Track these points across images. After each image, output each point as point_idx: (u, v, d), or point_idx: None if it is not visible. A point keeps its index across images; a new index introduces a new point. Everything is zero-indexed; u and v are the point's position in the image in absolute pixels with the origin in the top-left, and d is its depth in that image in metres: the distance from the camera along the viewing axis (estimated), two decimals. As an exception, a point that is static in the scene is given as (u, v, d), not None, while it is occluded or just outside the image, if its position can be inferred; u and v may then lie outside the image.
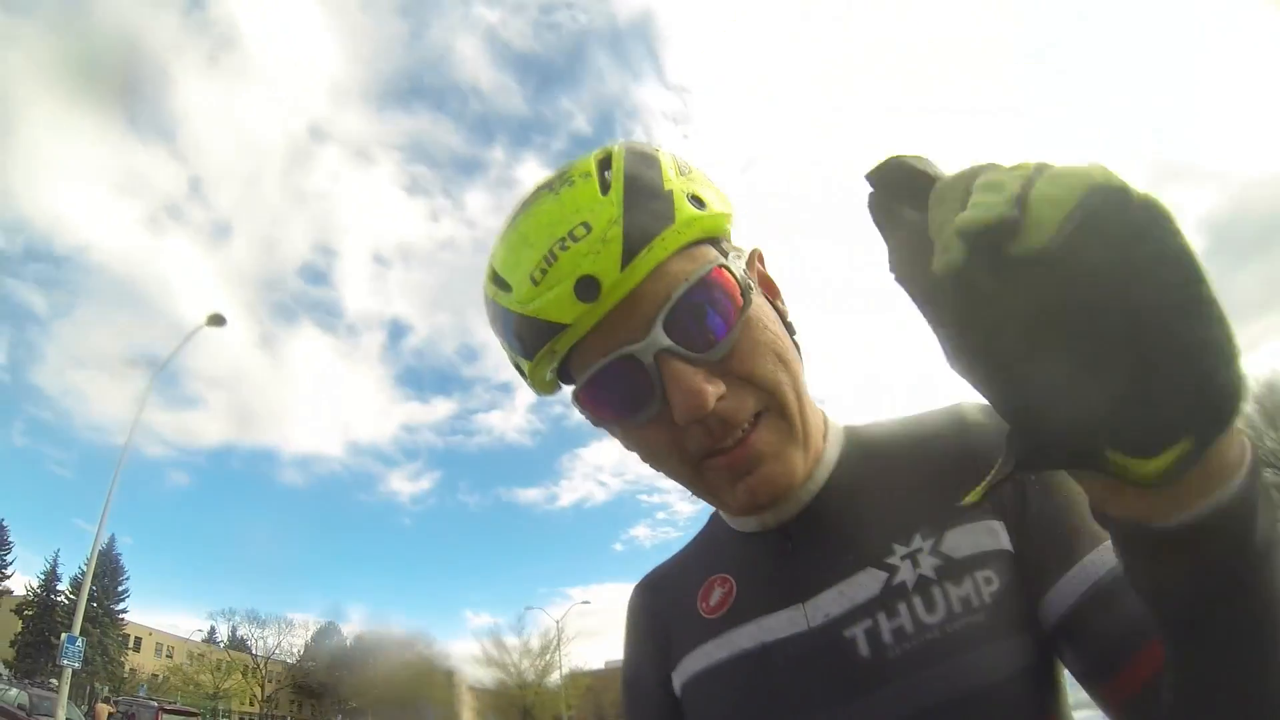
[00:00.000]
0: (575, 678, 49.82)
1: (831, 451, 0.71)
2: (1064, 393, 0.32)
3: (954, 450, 0.66)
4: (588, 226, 0.57)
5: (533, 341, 0.60)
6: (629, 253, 0.56)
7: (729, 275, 0.60)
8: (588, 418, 0.65)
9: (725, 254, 0.62)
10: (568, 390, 0.65)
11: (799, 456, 0.63)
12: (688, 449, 0.61)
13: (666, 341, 0.57)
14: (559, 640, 44.90)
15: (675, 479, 0.65)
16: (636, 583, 0.84)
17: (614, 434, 0.67)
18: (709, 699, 0.68)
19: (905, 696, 0.57)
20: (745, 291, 0.61)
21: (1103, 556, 0.58)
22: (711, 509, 0.78)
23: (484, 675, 50.10)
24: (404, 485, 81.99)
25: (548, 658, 47.27)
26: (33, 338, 63.38)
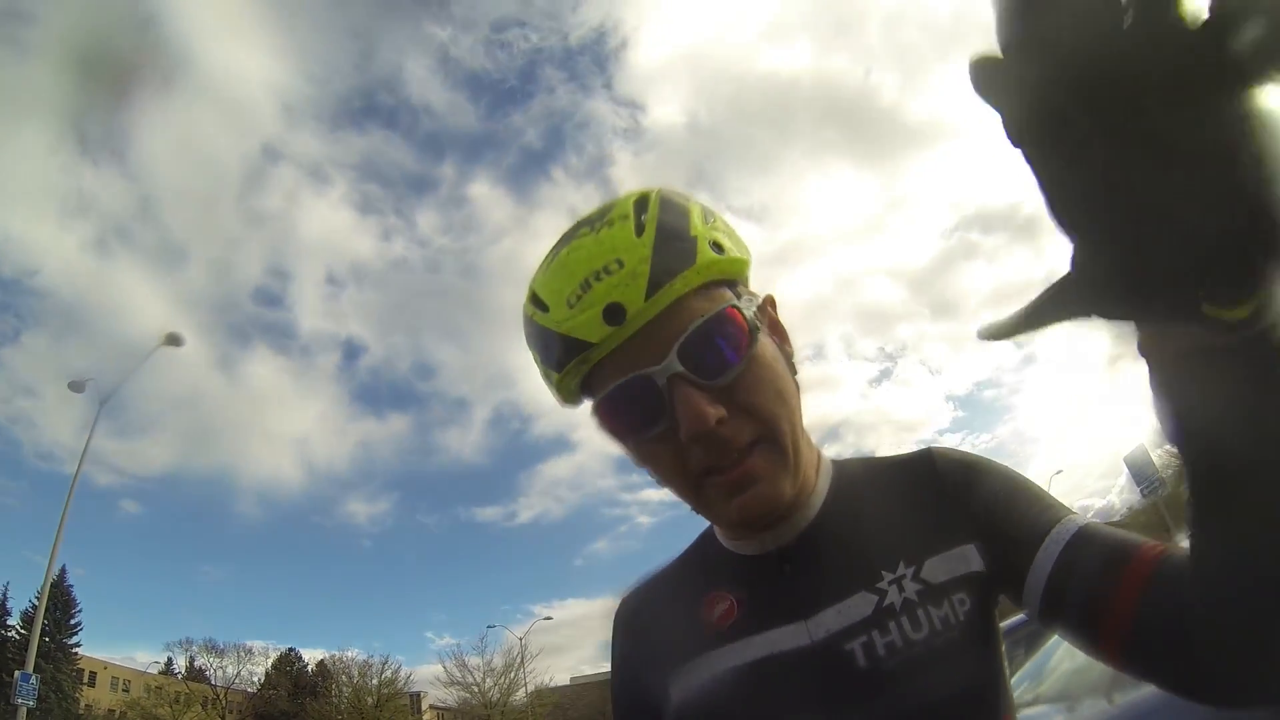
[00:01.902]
0: (541, 694, 49.85)
1: (823, 483, 0.79)
2: (1173, 238, 0.34)
3: (927, 488, 0.77)
4: (620, 263, 0.65)
5: (563, 356, 0.69)
6: (653, 286, 0.65)
7: (739, 315, 0.69)
8: (603, 429, 0.73)
9: (740, 296, 0.71)
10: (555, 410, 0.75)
11: (787, 483, 0.71)
12: (689, 466, 0.69)
13: (679, 367, 0.65)
14: (522, 658, 44.98)
15: (677, 493, 0.73)
16: (622, 596, 0.90)
17: (626, 447, 0.74)
18: (716, 706, 0.73)
19: (899, 702, 0.66)
20: (753, 331, 0.69)
21: (1068, 525, 0.67)
22: (673, 521, 0.98)
23: (447, 696, 49.91)
24: (361, 508, 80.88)
25: (512, 676, 47.20)
26: (-21, 366, 61.73)
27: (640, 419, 0.69)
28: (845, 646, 0.69)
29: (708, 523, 0.84)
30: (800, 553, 0.76)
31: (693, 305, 0.67)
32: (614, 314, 0.65)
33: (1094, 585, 0.63)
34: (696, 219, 0.70)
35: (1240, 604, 0.51)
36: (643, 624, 0.86)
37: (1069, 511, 0.71)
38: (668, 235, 0.67)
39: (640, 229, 0.67)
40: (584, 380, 0.72)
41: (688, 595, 0.81)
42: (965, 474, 0.77)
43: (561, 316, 0.68)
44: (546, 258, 0.73)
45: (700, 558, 0.86)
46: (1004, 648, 0.73)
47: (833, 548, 0.75)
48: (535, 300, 0.71)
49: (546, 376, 0.74)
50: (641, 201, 0.70)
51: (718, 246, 0.70)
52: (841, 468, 0.83)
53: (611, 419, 0.71)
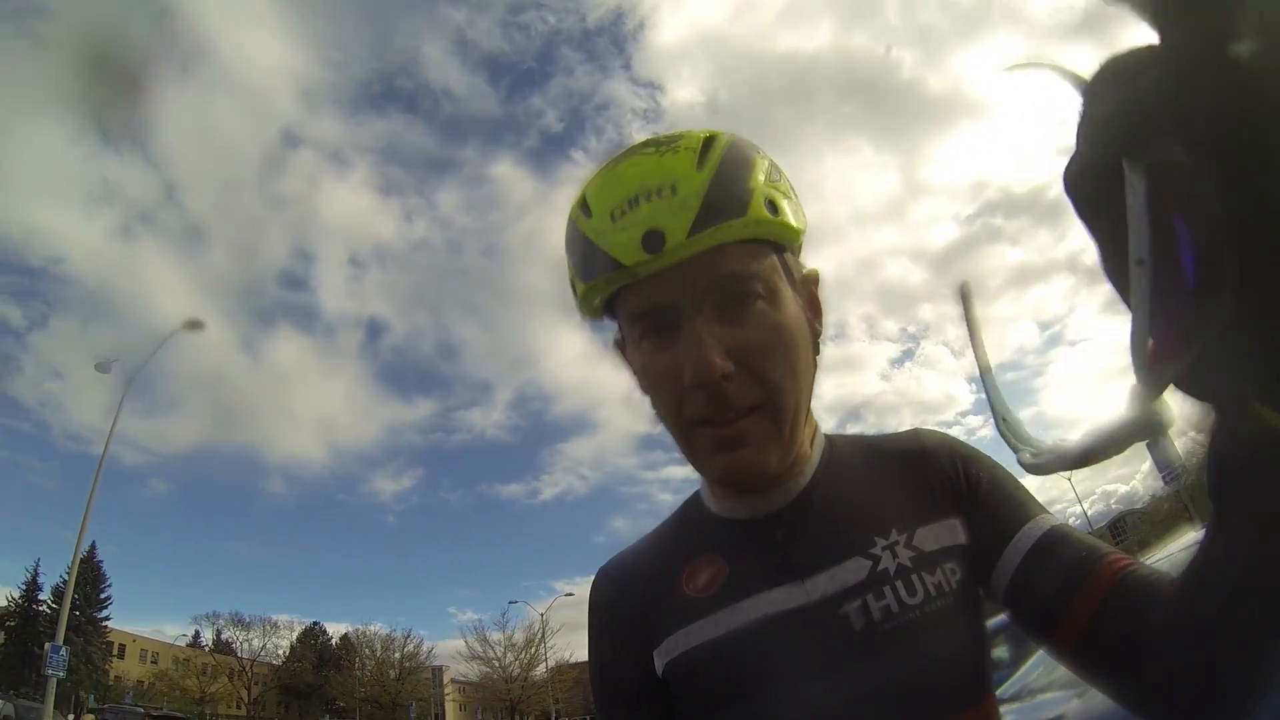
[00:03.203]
0: (562, 670, 50.25)
1: (816, 454, 0.79)
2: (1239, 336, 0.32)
3: (915, 463, 0.78)
4: (674, 189, 0.64)
5: (593, 268, 0.68)
6: (699, 224, 0.64)
7: (776, 279, 0.69)
8: (619, 354, 0.77)
9: (785, 263, 0.72)
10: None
11: (776, 453, 0.70)
12: (685, 411, 0.69)
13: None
14: (543, 633, 45.28)
15: (669, 430, 0.73)
16: (598, 570, 0.88)
17: (636, 376, 0.75)
18: (707, 674, 0.73)
19: (893, 664, 0.66)
20: (783, 299, 0.70)
21: (1039, 524, 0.70)
22: (685, 499, 0.87)
23: (469, 670, 50.49)
24: (386, 484, 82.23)
25: (533, 651, 47.60)
26: (8, 349, 62.84)
27: (653, 351, 0.69)
28: (841, 609, 0.69)
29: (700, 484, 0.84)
30: (792, 518, 0.75)
31: (733, 256, 0.66)
32: (653, 240, 0.64)
33: (1053, 590, 0.65)
34: (760, 172, 0.69)
35: (1212, 640, 0.53)
36: (623, 595, 0.82)
37: (1042, 510, 0.72)
38: (726, 178, 0.66)
39: (702, 164, 0.66)
40: (609, 300, 0.72)
41: (674, 561, 0.79)
42: (950, 455, 0.78)
43: (602, 227, 0.67)
44: (605, 165, 0.71)
45: (687, 522, 0.83)
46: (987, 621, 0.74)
47: (825, 514, 0.75)
48: (583, 204, 0.70)
49: (573, 285, 0.73)
50: (711, 139, 0.69)
51: (773, 206, 0.68)
52: (833, 441, 0.83)
53: (630, 345, 0.73)
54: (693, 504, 0.85)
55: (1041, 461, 0.46)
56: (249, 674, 48.11)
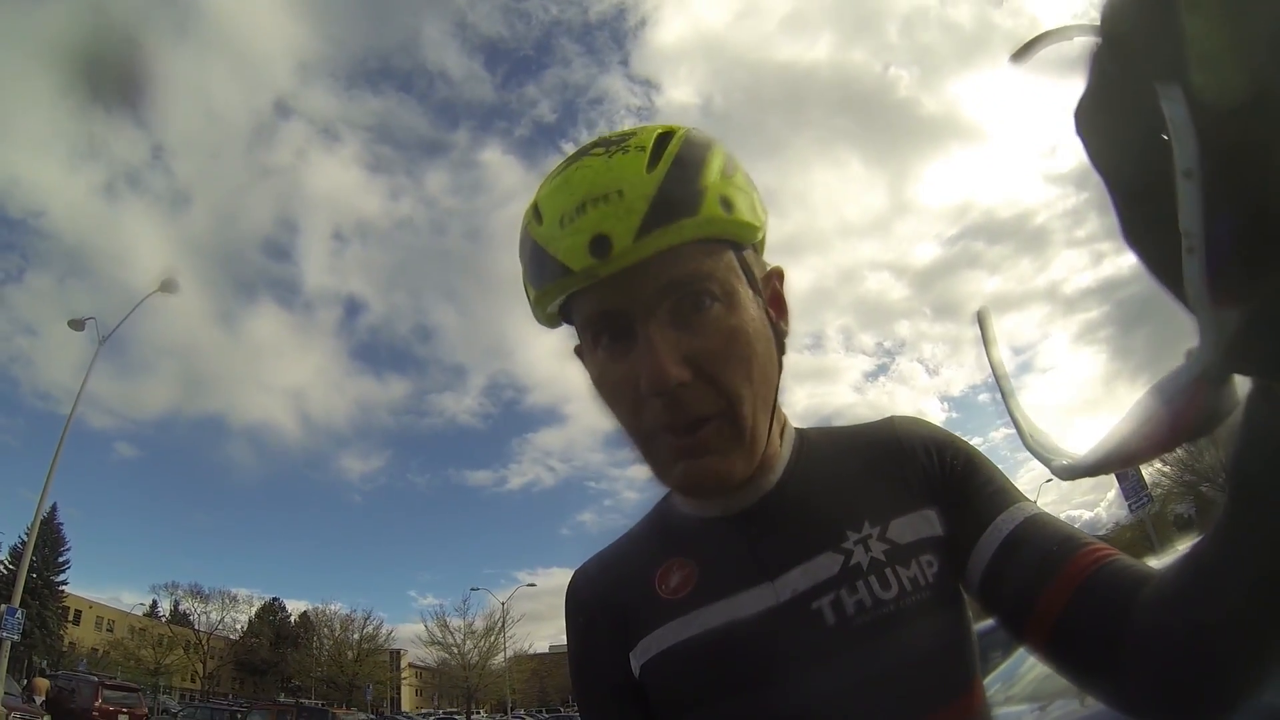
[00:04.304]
0: (520, 661, 50.40)
1: (786, 450, 0.79)
2: None
3: (890, 453, 0.77)
4: (621, 194, 0.62)
5: (543, 275, 0.66)
6: (646, 227, 0.61)
7: (733, 279, 0.67)
8: (580, 356, 0.74)
9: (745, 262, 0.69)
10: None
11: (740, 460, 0.68)
12: (644, 418, 0.67)
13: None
14: (504, 622, 45.30)
15: (629, 439, 0.71)
16: (575, 570, 0.87)
17: (592, 379, 0.72)
18: (680, 675, 0.72)
19: (869, 660, 0.65)
20: (740, 300, 0.67)
21: (1013, 514, 0.68)
22: (658, 497, 0.86)
23: (427, 655, 50.41)
24: (355, 464, 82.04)
25: (492, 639, 47.62)
26: (-21, 303, 61.76)
27: (608, 360, 0.68)
28: (813, 605, 0.68)
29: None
30: (763, 515, 0.75)
31: (686, 257, 0.64)
32: (600, 246, 0.62)
33: (1027, 578, 0.64)
34: (714, 170, 0.66)
35: (1216, 635, 0.51)
36: (599, 596, 0.82)
37: (1021, 497, 0.71)
38: (677, 180, 0.64)
39: (653, 165, 0.64)
40: (564, 306, 0.71)
41: (648, 563, 0.79)
42: (925, 442, 0.77)
43: (551, 233, 0.65)
44: (556, 169, 0.70)
45: (660, 524, 0.84)
46: (971, 616, 0.72)
47: (796, 510, 0.74)
48: (535, 210, 0.69)
49: (526, 291, 0.72)
50: (665, 137, 0.67)
51: (727, 203, 0.65)
52: (805, 435, 0.83)
53: (586, 352, 0.71)
54: (667, 503, 0.85)
55: (1084, 463, 0.44)
56: (205, 647, 47.77)
